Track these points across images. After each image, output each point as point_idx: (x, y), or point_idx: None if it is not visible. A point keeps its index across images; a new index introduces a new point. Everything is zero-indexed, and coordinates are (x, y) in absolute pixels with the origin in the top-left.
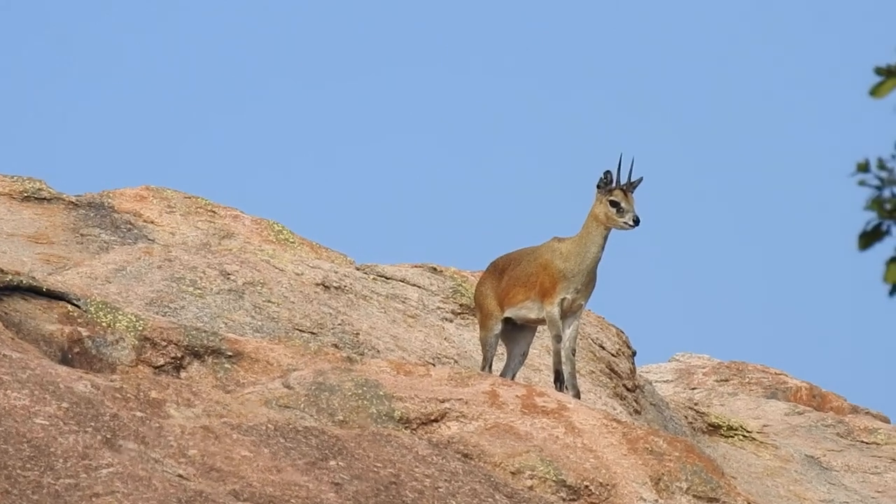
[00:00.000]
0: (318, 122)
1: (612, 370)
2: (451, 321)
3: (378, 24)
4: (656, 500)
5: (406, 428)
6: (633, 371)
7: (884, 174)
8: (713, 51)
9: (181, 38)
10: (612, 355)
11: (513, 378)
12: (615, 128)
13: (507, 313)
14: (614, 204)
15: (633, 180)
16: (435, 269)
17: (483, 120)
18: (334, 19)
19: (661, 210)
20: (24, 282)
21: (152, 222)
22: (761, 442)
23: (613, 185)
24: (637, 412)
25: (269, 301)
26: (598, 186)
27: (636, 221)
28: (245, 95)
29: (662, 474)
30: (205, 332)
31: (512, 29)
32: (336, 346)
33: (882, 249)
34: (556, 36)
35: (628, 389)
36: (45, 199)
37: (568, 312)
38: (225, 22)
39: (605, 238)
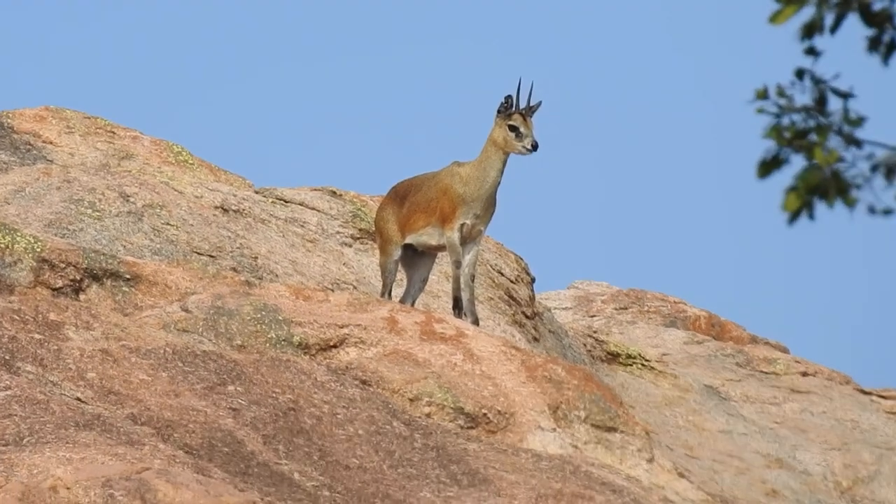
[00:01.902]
0: (218, 43)
1: (510, 297)
2: (351, 246)
3: None
4: (554, 429)
5: (305, 353)
6: (531, 298)
7: (783, 101)
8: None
9: None
10: (511, 282)
11: (412, 304)
12: (518, 54)
13: (408, 240)
14: (513, 128)
15: (531, 105)
16: (334, 192)
17: (384, 44)
18: None
19: (561, 136)
20: None
21: (51, 143)
22: (660, 371)
23: (513, 109)
24: (536, 339)
25: (168, 224)
26: (499, 111)
27: (534, 146)
28: (147, 17)
29: (560, 403)
30: (103, 254)
31: None
32: (235, 269)
33: (781, 178)
34: None
35: (527, 316)
36: None
37: (468, 238)
38: None
39: (504, 163)
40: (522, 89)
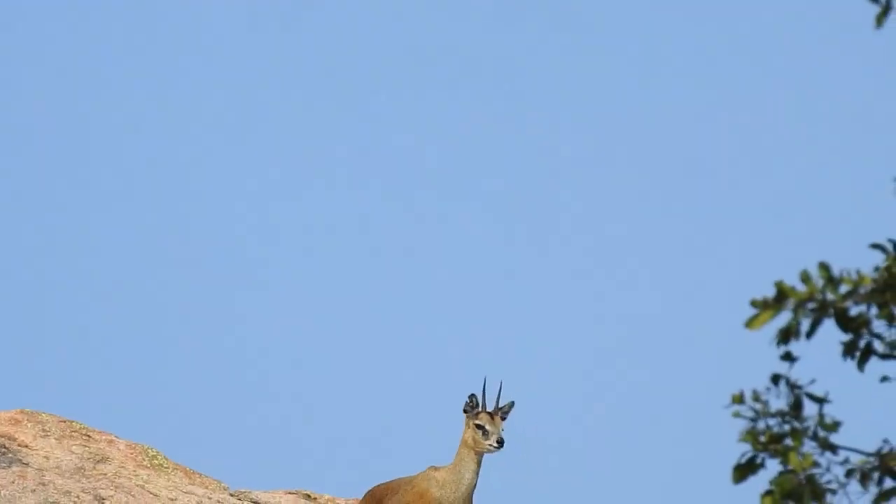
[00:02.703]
0: (194, 345)
1: None
2: None
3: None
4: None
5: None
6: None
7: (758, 406)
8: (586, 282)
9: (58, 258)
10: None
11: None
12: (486, 343)
13: None
14: (479, 427)
15: (501, 405)
16: (309, 496)
17: (354, 347)
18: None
19: (539, 436)
20: None
21: (26, 446)
22: None
23: (479, 408)
24: None
25: None
26: (465, 411)
27: (500, 442)
28: (119, 321)
29: None
30: None
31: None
32: None
33: (756, 482)
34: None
35: None
36: None
37: None
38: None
39: (479, 463)
40: (488, 388)
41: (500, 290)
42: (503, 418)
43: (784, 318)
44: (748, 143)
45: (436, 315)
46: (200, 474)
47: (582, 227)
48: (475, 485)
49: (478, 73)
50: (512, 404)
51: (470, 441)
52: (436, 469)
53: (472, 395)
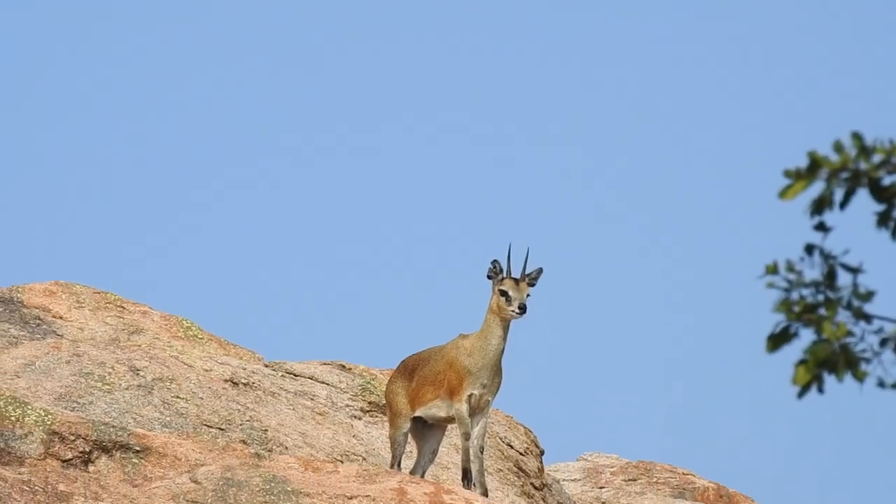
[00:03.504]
0: (228, 219)
1: (520, 469)
2: (360, 419)
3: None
4: None
5: None
6: (540, 470)
7: (792, 276)
8: (621, 156)
9: (88, 132)
10: (520, 454)
11: (422, 475)
12: (525, 218)
13: (418, 412)
14: (503, 293)
15: (529, 271)
16: (344, 366)
17: (390, 215)
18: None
19: (571, 308)
20: None
21: (61, 317)
22: None
23: (504, 274)
24: None
25: (178, 397)
26: (489, 277)
27: (522, 309)
28: (155, 193)
29: None
30: (113, 426)
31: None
32: (244, 442)
33: (790, 351)
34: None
35: (536, 488)
36: None
37: (476, 409)
38: (136, 114)
39: (506, 329)
40: (513, 255)
41: (530, 157)
42: (531, 284)
43: (817, 188)
44: (785, 9)
45: (471, 183)
46: (235, 345)
47: (612, 86)
48: (503, 350)
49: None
50: (540, 271)
51: (495, 307)
52: (464, 337)
53: (495, 261)
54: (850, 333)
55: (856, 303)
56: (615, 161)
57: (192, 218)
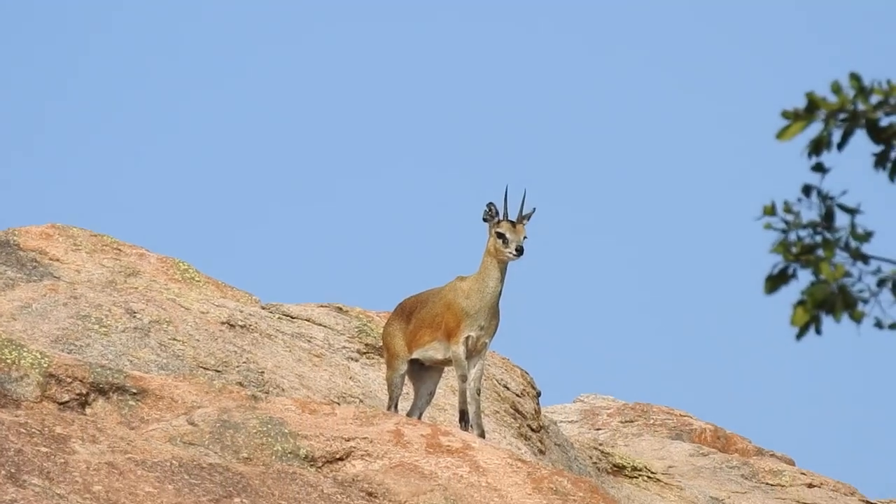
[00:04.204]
0: (224, 160)
1: (516, 410)
2: (357, 360)
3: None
4: None
5: (311, 466)
6: (537, 411)
7: (790, 217)
8: (619, 97)
9: (85, 76)
10: (517, 395)
11: (419, 417)
12: (520, 160)
13: (415, 354)
14: (500, 235)
15: (524, 213)
16: (340, 308)
17: (387, 156)
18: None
19: (568, 251)
20: None
21: (58, 260)
22: (666, 483)
23: (500, 217)
24: (541, 452)
25: (175, 339)
26: (485, 220)
27: (519, 251)
28: (151, 134)
29: None
30: (109, 369)
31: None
32: (241, 384)
33: (788, 292)
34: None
35: (533, 430)
36: None
37: (473, 352)
38: (132, 59)
39: (503, 272)
40: (509, 197)
41: (530, 101)
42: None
43: (815, 129)
44: None
45: (470, 124)
46: (232, 287)
47: (611, 29)
48: (500, 292)
49: None
50: (533, 210)
51: (492, 249)
52: (462, 279)
53: (490, 204)
54: (847, 274)
55: (853, 243)
56: (615, 99)
57: (188, 159)
